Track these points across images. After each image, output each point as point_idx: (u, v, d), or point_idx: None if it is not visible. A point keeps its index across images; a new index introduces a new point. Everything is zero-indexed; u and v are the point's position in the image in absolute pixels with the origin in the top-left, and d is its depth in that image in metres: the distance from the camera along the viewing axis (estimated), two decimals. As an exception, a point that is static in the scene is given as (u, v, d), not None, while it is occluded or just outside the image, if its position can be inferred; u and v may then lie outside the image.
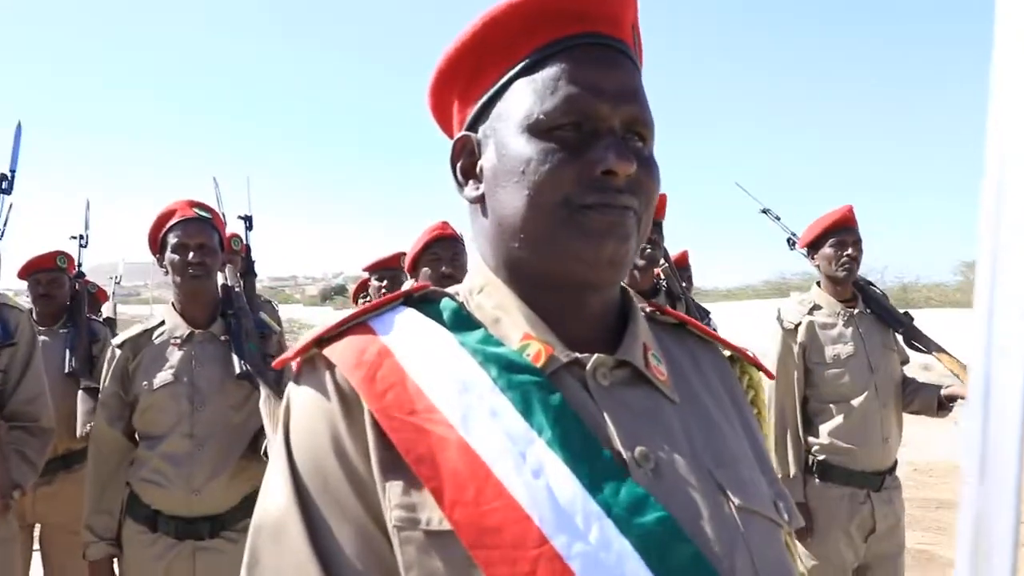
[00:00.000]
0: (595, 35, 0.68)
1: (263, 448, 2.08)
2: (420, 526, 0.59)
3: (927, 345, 2.82)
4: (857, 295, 2.91)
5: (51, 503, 3.04)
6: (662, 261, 2.61)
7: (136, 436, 2.21)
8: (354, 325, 0.69)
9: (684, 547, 0.59)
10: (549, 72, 0.67)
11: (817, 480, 2.76)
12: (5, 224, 2.43)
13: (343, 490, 0.62)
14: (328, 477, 0.62)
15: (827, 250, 2.85)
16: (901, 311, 2.96)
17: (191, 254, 2.15)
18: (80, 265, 3.49)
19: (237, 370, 2.14)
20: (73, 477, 3.11)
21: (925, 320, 3.07)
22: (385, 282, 3.53)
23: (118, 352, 2.19)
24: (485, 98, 0.72)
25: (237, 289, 2.35)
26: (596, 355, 0.68)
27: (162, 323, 2.24)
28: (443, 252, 2.38)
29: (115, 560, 2.19)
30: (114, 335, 3.42)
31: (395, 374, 0.64)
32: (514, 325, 0.70)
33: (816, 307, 2.89)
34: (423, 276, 2.39)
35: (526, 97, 0.67)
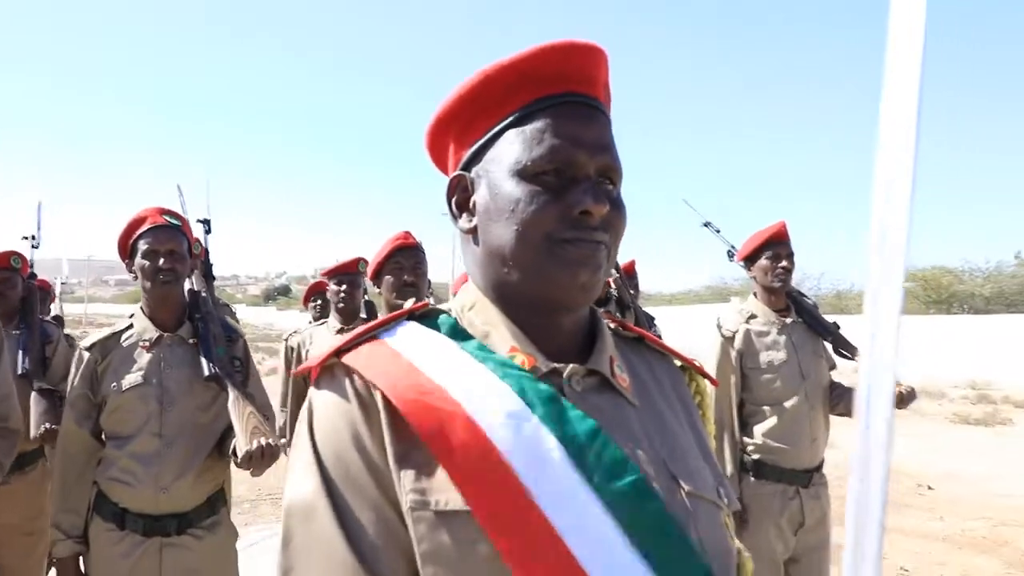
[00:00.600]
0: (574, 94, 0.81)
1: (231, 447, 2.16)
2: (430, 507, 0.71)
3: (852, 352, 3.04)
4: (790, 305, 3.12)
5: (3, 503, 3.04)
6: (613, 272, 2.77)
7: (103, 436, 2.26)
8: (367, 339, 0.81)
9: (653, 503, 0.73)
10: (535, 125, 0.80)
11: (751, 477, 2.95)
12: None
13: (363, 478, 0.73)
14: (350, 467, 0.74)
15: (763, 262, 3.05)
16: (830, 320, 3.18)
17: (161, 260, 2.21)
18: (32, 266, 3.49)
19: (206, 372, 2.21)
20: (26, 478, 3.12)
21: (858, 326, 3.29)
22: (344, 286, 3.62)
23: (86, 354, 2.24)
24: (479, 144, 0.84)
25: (204, 294, 2.43)
26: (571, 365, 0.82)
27: (130, 326, 2.30)
28: (405, 261, 2.49)
29: (81, 558, 2.23)
30: (64, 334, 3.44)
31: (405, 368, 0.76)
32: (502, 339, 0.82)
33: (752, 316, 3.09)
34: (386, 284, 2.50)
35: (516, 146, 0.80)
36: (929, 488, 7.61)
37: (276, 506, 4.90)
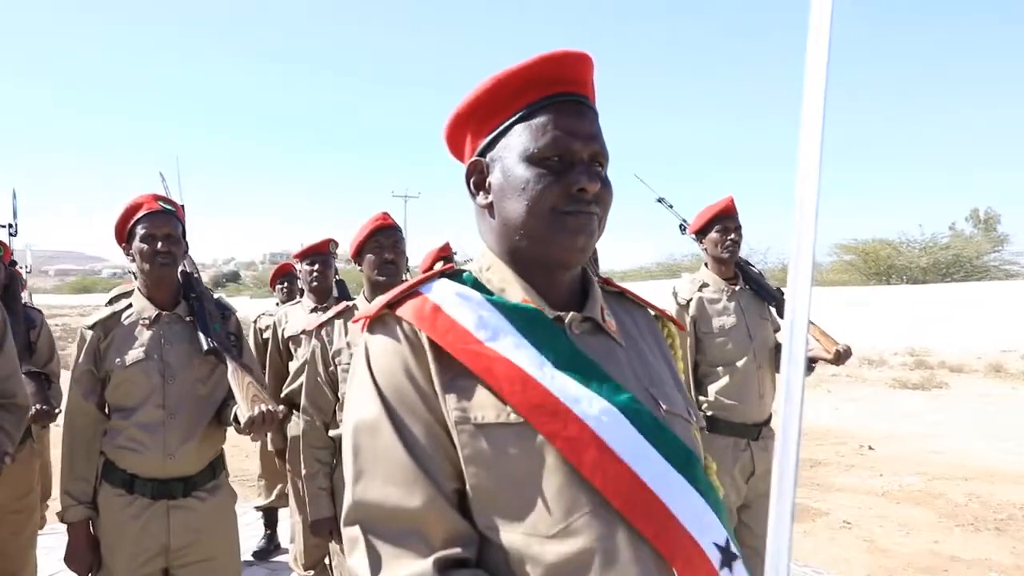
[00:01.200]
0: (569, 94, 1.03)
1: (232, 415, 2.32)
2: (471, 422, 0.93)
3: None
4: (738, 274, 3.39)
5: (-8, 482, 3.14)
6: None
7: (106, 409, 2.41)
8: (410, 293, 1.02)
9: (648, 414, 0.97)
10: (539, 120, 1.01)
11: (706, 431, 3.22)
12: None
13: (414, 400, 0.95)
14: (403, 393, 0.96)
15: (713, 235, 3.31)
16: (776, 287, 3.46)
17: (159, 244, 2.35)
18: (12, 252, 3.57)
19: (205, 347, 2.36)
20: (15, 457, 3.22)
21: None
22: (316, 266, 3.78)
23: (89, 333, 2.38)
24: (493, 135, 1.05)
25: (196, 275, 2.58)
26: (571, 312, 1.04)
27: (129, 306, 2.44)
28: (385, 240, 2.67)
29: (91, 522, 2.37)
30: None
31: (447, 322, 0.97)
32: (515, 292, 1.04)
33: (704, 284, 3.35)
34: (367, 262, 2.67)
35: (524, 137, 1.01)
36: (870, 448, 8.06)
37: (242, 486, 5.01)
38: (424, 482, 0.91)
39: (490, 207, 1.06)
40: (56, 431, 3.77)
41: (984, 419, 9.56)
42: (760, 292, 3.38)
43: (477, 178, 1.08)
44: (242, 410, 2.23)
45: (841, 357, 3.19)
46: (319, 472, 2.62)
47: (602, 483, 0.90)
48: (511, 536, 0.90)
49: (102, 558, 2.34)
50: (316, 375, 2.65)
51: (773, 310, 3.41)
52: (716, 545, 0.94)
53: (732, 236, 3.29)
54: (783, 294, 3.41)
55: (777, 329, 3.42)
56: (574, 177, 0.99)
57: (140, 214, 2.39)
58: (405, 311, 1.00)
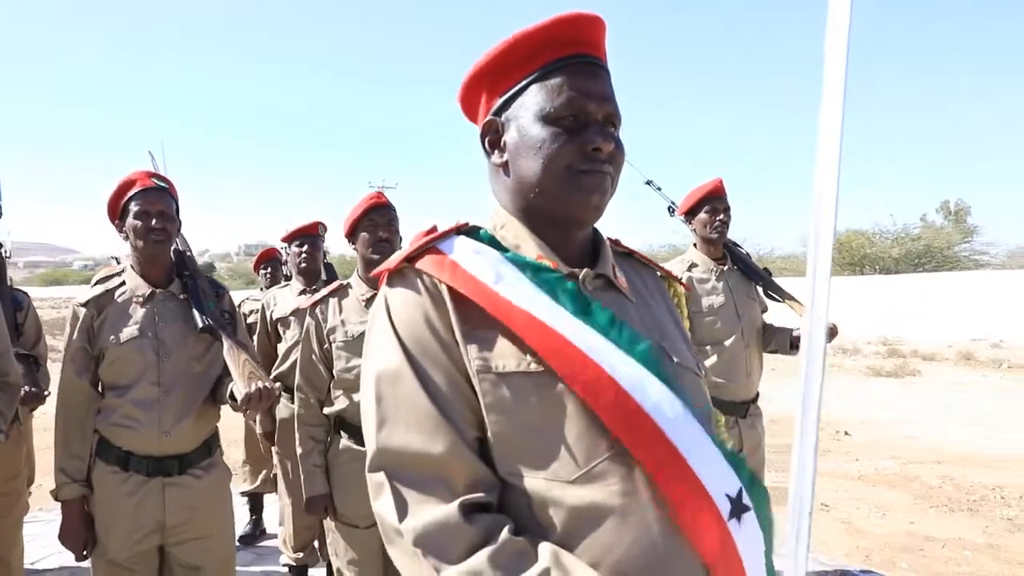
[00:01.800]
0: (584, 56, 1.05)
1: (227, 392, 2.32)
2: (492, 371, 0.95)
3: (781, 295, 3.38)
4: (726, 254, 3.43)
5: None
6: None
7: (99, 388, 2.39)
8: (428, 248, 1.04)
9: (668, 362, 1.01)
10: (555, 81, 1.03)
11: None
12: None
13: (435, 350, 0.97)
14: (424, 343, 0.98)
15: (702, 216, 3.35)
16: (763, 268, 3.51)
17: (153, 220, 2.33)
18: (-3, 239, 3.52)
19: (200, 324, 2.35)
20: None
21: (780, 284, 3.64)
22: (305, 247, 3.78)
23: (82, 311, 2.35)
24: (508, 95, 1.07)
25: (189, 253, 2.56)
26: (584, 269, 1.06)
27: (122, 284, 2.42)
28: (379, 218, 2.67)
29: (85, 500, 2.35)
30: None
31: (466, 276, 0.99)
32: (530, 249, 1.06)
33: (693, 264, 3.39)
34: (361, 240, 2.67)
35: (540, 96, 1.03)
36: (846, 434, 8.20)
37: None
38: (446, 428, 0.93)
39: (505, 165, 1.08)
40: (38, 419, 3.75)
41: (956, 406, 9.74)
42: (748, 272, 3.43)
43: (492, 137, 1.09)
44: (238, 387, 2.23)
45: (830, 335, 3.24)
46: (313, 450, 2.62)
47: (618, 427, 0.92)
48: (533, 482, 0.93)
49: (96, 536, 2.33)
50: (311, 353, 2.65)
51: (760, 290, 3.46)
52: (727, 496, 0.95)
53: (721, 217, 3.34)
54: (770, 273, 3.46)
55: (764, 309, 3.47)
56: (589, 137, 1.01)
57: (133, 191, 2.37)
58: (425, 264, 1.02)
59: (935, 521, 5.22)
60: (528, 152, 1.03)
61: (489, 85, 1.09)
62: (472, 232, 1.10)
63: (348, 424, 2.60)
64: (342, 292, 2.71)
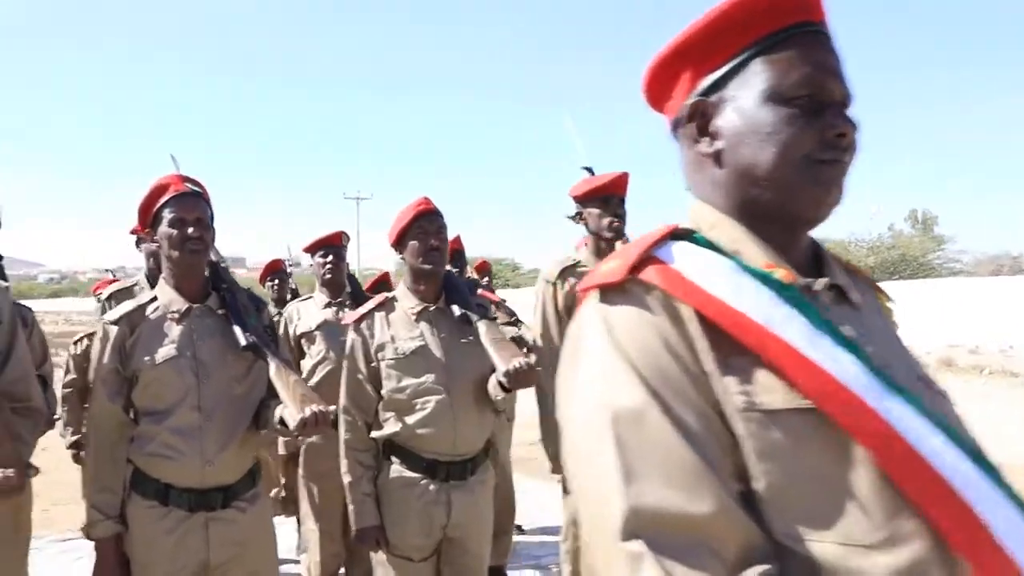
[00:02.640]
0: (811, 23, 0.87)
1: (275, 418, 2.11)
2: (757, 407, 0.77)
3: None
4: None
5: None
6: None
7: (131, 413, 2.16)
8: (647, 258, 0.85)
9: (928, 393, 0.85)
10: (786, 54, 0.85)
11: None
12: None
13: (682, 382, 0.78)
14: (669, 375, 0.78)
15: (593, 210, 2.91)
16: None
17: (190, 228, 2.12)
18: (-5, 249, 3.29)
19: (243, 342, 2.14)
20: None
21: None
22: (330, 257, 3.58)
23: (114, 328, 2.13)
24: (722, 72, 0.89)
25: (224, 264, 2.35)
26: (820, 279, 0.88)
27: (154, 299, 2.21)
28: (429, 225, 2.47)
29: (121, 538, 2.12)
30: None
31: (704, 293, 0.81)
32: (753, 255, 0.88)
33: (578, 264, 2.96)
34: (411, 249, 2.47)
35: (767, 73, 0.86)
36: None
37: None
38: (711, 482, 0.73)
39: (717, 155, 0.90)
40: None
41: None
42: None
43: (700, 122, 0.91)
44: (291, 411, 2.02)
45: None
46: (363, 477, 2.40)
47: (911, 487, 0.74)
48: (822, 547, 0.74)
49: (133, 578, 2.10)
50: (356, 371, 2.44)
51: None
52: None
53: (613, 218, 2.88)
54: None
55: None
56: (831, 120, 0.84)
57: (167, 196, 2.15)
58: (651, 275, 0.83)
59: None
60: (754, 138, 0.85)
61: (696, 61, 0.91)
62: (684, 236, 0.91)
63: (399, 448, 2.39)
64: (388, 306, 2.52)
